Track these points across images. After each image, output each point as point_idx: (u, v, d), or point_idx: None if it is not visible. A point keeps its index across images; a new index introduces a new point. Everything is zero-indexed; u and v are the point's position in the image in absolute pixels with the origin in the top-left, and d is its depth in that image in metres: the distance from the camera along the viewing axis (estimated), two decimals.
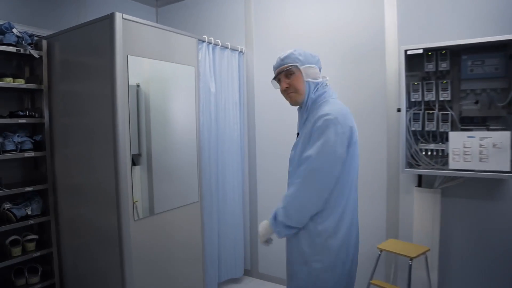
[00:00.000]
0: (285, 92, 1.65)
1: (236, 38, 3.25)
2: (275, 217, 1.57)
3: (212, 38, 2.82)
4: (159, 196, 2.45)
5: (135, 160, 2.36)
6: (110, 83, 2.07)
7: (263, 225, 1.66)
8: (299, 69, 1.60)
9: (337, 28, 2.77)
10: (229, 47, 3.02)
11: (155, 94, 2.41)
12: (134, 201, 2.33)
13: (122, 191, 2.11)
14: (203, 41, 2.75)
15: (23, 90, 2.58)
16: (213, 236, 2.88)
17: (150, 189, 2.42)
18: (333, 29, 2.79)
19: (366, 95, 2.69)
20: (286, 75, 1.62)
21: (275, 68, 1.67)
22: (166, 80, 2.50)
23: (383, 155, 2.64)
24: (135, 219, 2.21)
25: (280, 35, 3.05)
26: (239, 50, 3.16)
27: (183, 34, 2.55)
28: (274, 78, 1.68)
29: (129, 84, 2.20)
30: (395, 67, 2.53)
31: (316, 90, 1.62)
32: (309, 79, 1.61)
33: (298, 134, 1.68)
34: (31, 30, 2.56)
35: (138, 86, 2.33)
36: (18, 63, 2.63)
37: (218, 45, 2.90)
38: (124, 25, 2.10)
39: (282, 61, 1.63)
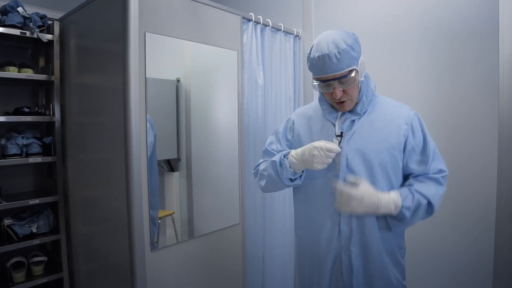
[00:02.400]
0: (336, 100, 1.26)
1: (291, 19, 2.63)
2: (429, 203, 1.27)
3: (260, 17, 2.23)
4: (199, 211, 2.00)
5: (173, 166, 2.01)
6: (122, 70, 1.56)
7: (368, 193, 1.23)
8: (357, 70, 1.22)
9: (424, 1, 2.06)
10: (282, 29, 2.41)
11: (195, 88, 1.96)
12: (170, 212, 1.95)
13: (135, 214, 1.58)
14: (249, 20, 2.17)
15: (38, 83, 2.18)
16: (255, 267, 2.28)
17: (190, 201, 1.98)
18: (419, 3, 2.07)
19: (466, 88, 1.95)
20: (341, 82, 1.22)
21: (322, 70, 1.21)
22: (205, 70, 2.00)
23: (491, 172, 1.88)
24: (178, 240, 1.86)
25: (346, 16, 2.38)
26: (295, 33, 2.54)
27: (223, 9, 1.98)
28: (320, 81, 1.25)
29: (168, 79, 1.83)
30: None
31: (368, 87, 1.32)
32: (362, 79, 1.28)
33: (341, 134, 1.32)
34: (46, 11, 2.15)
35: (178, 81, 1.93)
36: (33, 52, 2.24)
37: (268, 26, 2.31)
38: None
39: (337, 65, 1.19)
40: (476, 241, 1.93)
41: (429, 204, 1.26)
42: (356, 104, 1.31)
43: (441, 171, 1.33)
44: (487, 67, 1.88)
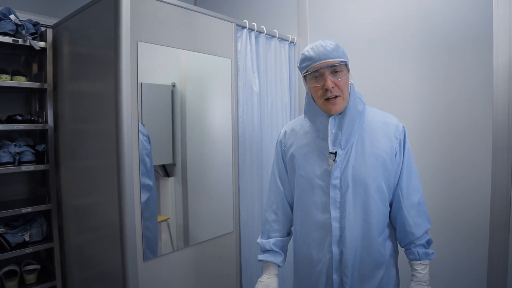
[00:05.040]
0: (328, 94, 1.25)
1: (286, 25, 2.63)
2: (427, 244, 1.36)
3: (254, 24, 2.22)
4: (194, 217, 1.98)
5: (168, 171, 1.99)
6: (114, 78, 1.56)
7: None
8: (347, 69, 1.28)
9: (419, 9, 2.06)
10: (277, 36, 2.40)
11: (191, 94, 1.95)
12: (165, 218, 1.93)
13: (127, 223, 1.57)
14: (243, 27, 2.16)
15: (31, 90, 2.17)
16: (255, 276, 2.24)
17: (185, 207, 1.97)
18: (413, 12, 2.07)
19: (460, 97, 1.94)
20: (332, 72, 1.25)
21: (315, 58, 1.25)
22: (200, 76, 2.00)
23: (485, 181, 1.88)
24: (174, 248, 1.84)
25: (342, 22, 2.37)
26: (290, 40, 2.53)
27: (216, 17, 1.97)
28: (311, 72, 1.26)
29: (163, 83, 1.83)
30: (509, 51, 1.77)
31: (360, 95, 1.36)
32: (352, 82, 1.31)
33: (335, 153, 1.30)
34: (39, 19, 2.14)
35: (173, 86, 1.91)
36: (26, 59, 2.23)
37: (263, 32, 2.30)
38: (134, 3, 1.57)
39: (330, 53, 1.24)
40: (470, 252, 1.92)
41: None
42: (346, 107, 1.30)
43: (419, 203, 1.37)
44: (482, 75, 1.87)
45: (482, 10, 1.85)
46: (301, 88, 2.58)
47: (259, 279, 1.44)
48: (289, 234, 1.54)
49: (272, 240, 1.47)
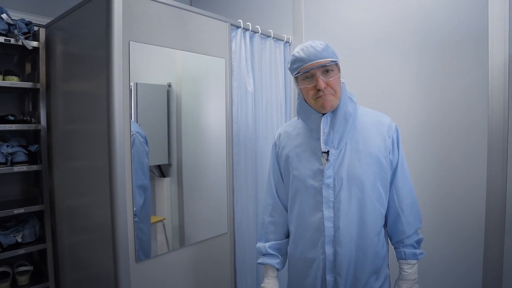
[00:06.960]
0: (319, 94, 1.26)
1: (281, 25, 2.61)
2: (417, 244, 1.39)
3: (249, 24, 2.21)
4: (190, 218, 1.98)
5: (164, 171, 1.97)
6: (106, 78, 1.54)
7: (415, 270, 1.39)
8: (338, 68, 1.30)
9: (415, 9, 2.05)
10: (272, 35, 2.39)
11: (186, 94, 1.95)
12: (161, 218, 1.92)
13: (119, 225, 1.56)
14: (238, 27, 2.14)
15: (24, 90, 2.15)
16: (250, 278, 2.22)
17: (181, 207, 1.96)
18: (409, 12, 2.06)
19: (456, 97, 1.93)
20: (324, 72, 1.26)
21: (306, 59, 1.25)
22: (195, 76, 1.99)
23: (480, 182, 1.87)
24: (170, 249, 1.84)
25: (338, 23, 2.36)
26: (285, 40, 2.52)
27: (210, 17, 1.96)
28: (303, 73, 1.27)
29: (159, 83, 1.83)
30: (504, 52, 1.77)
31: (350, 95, 1.36)
32: (343, 80, 1.32)
33: (327, 152, 1.30)
34: (32, 18, 2.12)
35: (169, 86, 1.90)
36: (19, 58, 2.21)
37: (258, 32, 2.29)
38: (126, 2, 1.56)
39: (321, 53, 1.25)
40: (466, 254, 1.91)
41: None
42: (338, 106, 1.31)
43: (412, 202, 1.40)
44: (478, 75, 1.86)
45: (477, 10, 1.84)
46: (296, 88, 2.56)
47: (262, 284, 1.48)
48: (287, 236, 1.53)
49: (267, 244, 1.49)
